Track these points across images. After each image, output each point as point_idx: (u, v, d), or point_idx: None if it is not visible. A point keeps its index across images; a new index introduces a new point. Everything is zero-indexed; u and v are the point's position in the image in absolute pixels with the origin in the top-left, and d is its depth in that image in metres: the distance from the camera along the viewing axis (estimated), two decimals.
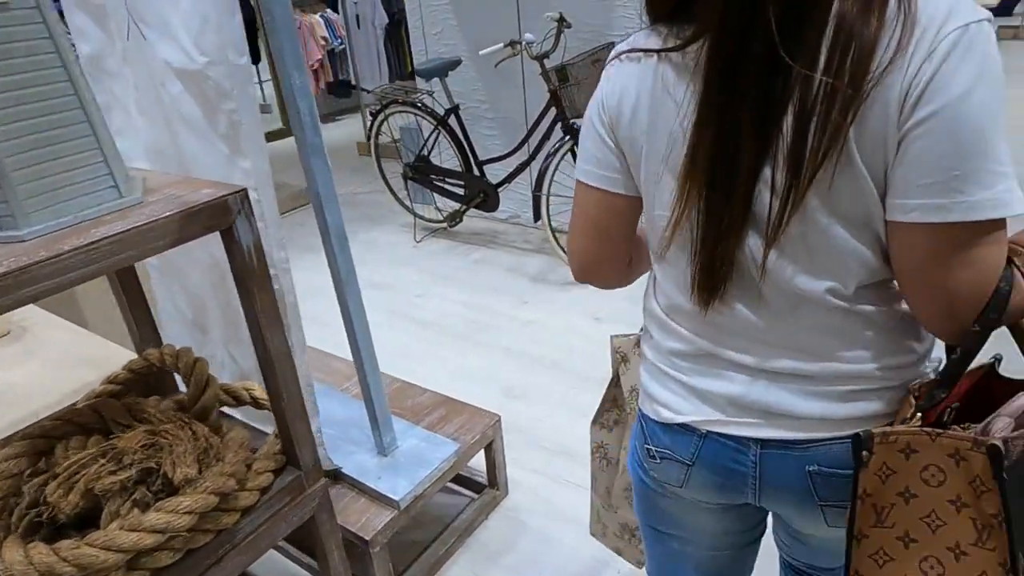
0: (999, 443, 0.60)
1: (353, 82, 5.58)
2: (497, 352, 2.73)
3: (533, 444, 2.20)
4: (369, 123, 3.80)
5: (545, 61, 2.99)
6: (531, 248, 3.61)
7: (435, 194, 3.72)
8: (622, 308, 2.92)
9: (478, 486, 1.97)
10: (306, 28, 6.35)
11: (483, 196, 3.49)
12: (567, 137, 3.02)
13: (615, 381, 1.14)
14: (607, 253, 0.86)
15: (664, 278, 0.81)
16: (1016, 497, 0.62)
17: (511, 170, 3.34)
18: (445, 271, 3.49)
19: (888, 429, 0.67)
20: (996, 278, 0.64)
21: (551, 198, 3.11)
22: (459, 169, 3.53)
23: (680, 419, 0.81)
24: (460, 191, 3.59)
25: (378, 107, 3.70)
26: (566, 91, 2.96)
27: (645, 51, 0.71)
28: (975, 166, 0.59)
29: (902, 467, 0.67)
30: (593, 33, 3.18)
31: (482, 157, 3.48)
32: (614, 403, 1.18)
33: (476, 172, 3.49)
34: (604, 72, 0.76)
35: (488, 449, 1.88)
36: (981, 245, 0.63)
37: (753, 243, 0.69)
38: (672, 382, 0.82)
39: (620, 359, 1.11)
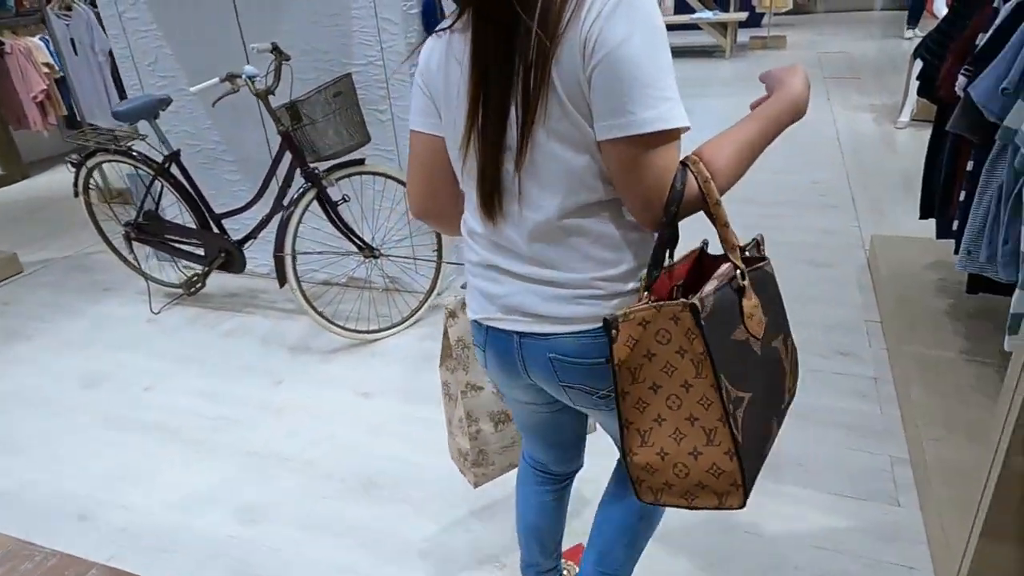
0: (696, 302, 0.84)
1: (79, 117, 4.68)
2: (238, 458, 2.23)
3: None
4: (74, 175, 3.08)
5: (271, 98, 2.54)
6: (293, 308, 3.12)
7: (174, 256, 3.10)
8: (393, 378, 2.55)
9: None
10: (21, 53, 5.28)
11: (225, 256, 2.95)
12: (309, 185, 2.59)
13: (445, 333, 1.33)
14: (437, 188, 1.06)
15: (466, 206, 1.05)
16: (716, 335, 0.86)
17: (256, 223, 2.84)
18: (186, 350, 2.89)
19: (626, 309, 0.88)
20: (670, 178, 0.85)
21: (302, 256, 2.67)
22: (193, 226, 2.96)
23: (474, 317, 1.08)
24: (198, 251, 3.02)
25: (78, 157, 3.01)
26: (302, 132, 2.53)
27: (441, 29, 0.95)
28: (640, 93, 0.81)
29: (642, 336, 0.87)
30: (332, 63, 2.78)
31: (230, 207, 2.93)
32: (450, 350, 1.35)
33: (214, 228, 2.94)
34: (422, 48, 0.99)
35: None
36: (654, 152, 0.84)
37: (510, 170, 0.92)
38: (473, 289, 1.07)
39: (448, 315, 1.31)
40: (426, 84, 0.98)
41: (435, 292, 2.96)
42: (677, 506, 0.93)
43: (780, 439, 2.06)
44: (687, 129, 0.84)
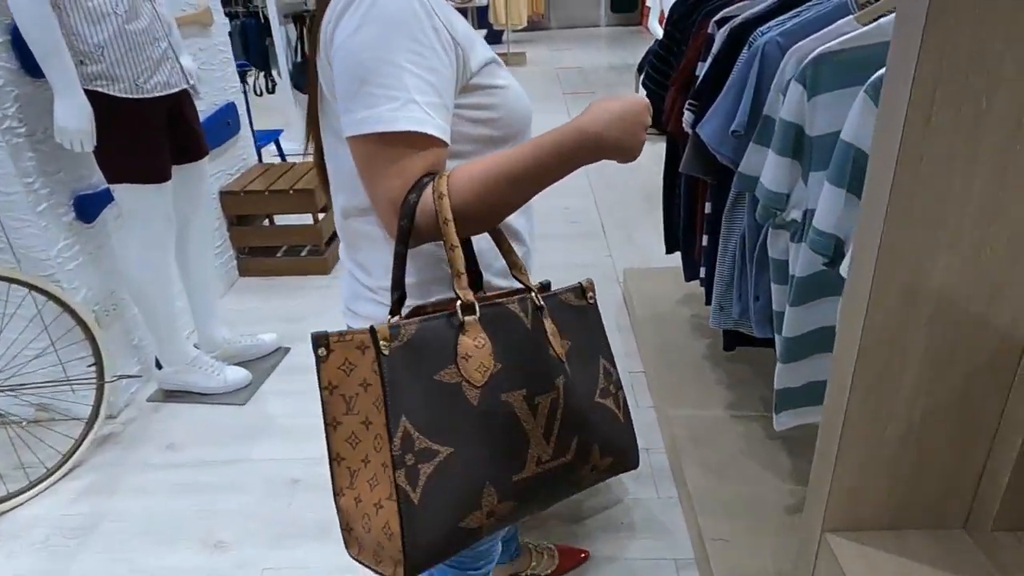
0: (380, 325, 0.75)
1: None
2: None
3: None
4: None
5: None
6: None
7: None
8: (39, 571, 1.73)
9: None
10: None
11: None
12: None
13: None
14: None
15: None
16: (411, 370, 0.75)
17: None
18: None
19: (345, 330, 0.78)
20: (401, 187, 0.77)
21: None
22: None
23: None
24: None
25: None
26: None
27: None
28: (360, 90, 0.76)
29: (360, 361, 0.77)
30: None
31: None
32: None
33: None
34: None
35: None
36: (383, 156, 0.78)
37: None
38: None
39: None
40: None
41: (101, 417, 2.15)
42: (375, 570, 0.78)
43: None
44: (427, 136, 0.77)
